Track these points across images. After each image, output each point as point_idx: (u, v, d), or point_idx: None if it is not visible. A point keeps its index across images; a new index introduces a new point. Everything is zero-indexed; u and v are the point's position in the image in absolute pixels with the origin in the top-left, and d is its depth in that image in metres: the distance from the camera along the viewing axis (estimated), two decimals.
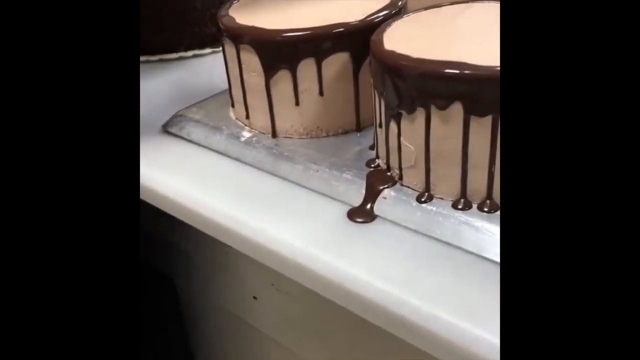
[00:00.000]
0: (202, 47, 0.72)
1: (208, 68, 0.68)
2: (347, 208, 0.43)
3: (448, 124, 0.37)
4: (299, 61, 0.46)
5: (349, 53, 0.47)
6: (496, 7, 0.45)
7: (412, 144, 0.40)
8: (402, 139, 0.41)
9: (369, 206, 0.42)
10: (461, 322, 0.33)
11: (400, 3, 0.50)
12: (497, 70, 0.35)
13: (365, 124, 0.50)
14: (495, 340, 0.32)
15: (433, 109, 0.37)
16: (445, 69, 0.36)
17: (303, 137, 0.50)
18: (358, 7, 0.49)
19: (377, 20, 0.47)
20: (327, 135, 0.50)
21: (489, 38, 0.40)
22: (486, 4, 0.46)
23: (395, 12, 0.49)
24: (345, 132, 0.50)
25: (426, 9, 0.48)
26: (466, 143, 0.37)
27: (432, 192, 0.41)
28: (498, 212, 0.39)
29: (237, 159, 0.50)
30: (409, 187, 0.42)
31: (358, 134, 0.50)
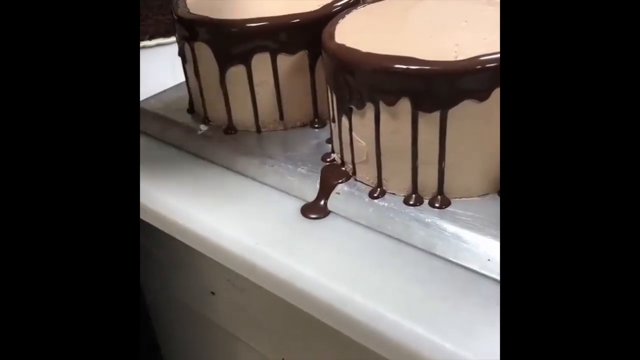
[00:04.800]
0: (166, 35, 0.71)
1: (171, 57, 0.67)
2: (302, 203, 0.42)
3: (397, 119, 0.37)
4: (253, 54, 0.45)
5: (304, 45, 0.46)
6: (450, 0, 0.45)
7: (363, 139, 0.40)
8: (353, 134, 0.40)
9: (322, 202, 0.42)
10: (404, 320, 0.33)
11: None
12: (444, 65, 0.35)
13: (324, 117, 0.49)
14: (438, 339, 0.32)
15: (382, 105, 0.37)
16: (393, 64, 0.36)
17: (261, 130, 0.49)
18: None
19: (333, 10, 0.47)
20: (285, 129, 0.49)
21: (440, 32, 0.39)
22: None
23: (352, 2, 0.48)
24: (304, 125, 0.49)
25: None
26: (415, 139, 0.37)
27: (384, 188, 0.40)
28: (449, 208, 0.38)
29: (193, 154, 0.49)
30: (362, 182, 0.42)
31: (316, 128, 0.49)
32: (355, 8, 0.46)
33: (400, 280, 0.35)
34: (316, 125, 0.49)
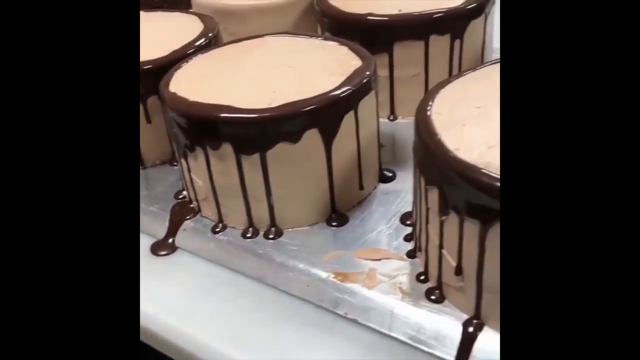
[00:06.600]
0: None
1: None
2: (153, 241, 0.45)
3: (223, 161, 0.40)
4: None
5: (153, 90, 0.48)
6: (289, 42, 0.49)
7: (200, 179, 0.43)
8: (192, 174, 0.43)
9: (170, 239, 0.44)
10: (225, 348, 0.36)
11: (210, 34, 0.53)
12: (257, 112, 0.38)
13: None
14: None
15: (208, 149, 0.40)
16: (212, 113, 0.39)
17: None
18: (166, 39, 0.51)
19: (185, 54, 0.49)
20: (145, 167, 0.51)
21: (264, 78, 0.42)
22: (282, 38, 0.49)
23: (203, 45, 0.51)
24: (163, 163, 0.52)
25: (235, 41, 0.50)
26: (242, 178, 0.40)
27: (225, 223, 0.43)
28: (281, 238, 0.42)
29: None
30: (207, 217, 0.45)
31: (175, 165, 0.51)
32: (203, 52, 0.49)
33: (230, 310, 0.38)
34: (175, 163, 0.51)
